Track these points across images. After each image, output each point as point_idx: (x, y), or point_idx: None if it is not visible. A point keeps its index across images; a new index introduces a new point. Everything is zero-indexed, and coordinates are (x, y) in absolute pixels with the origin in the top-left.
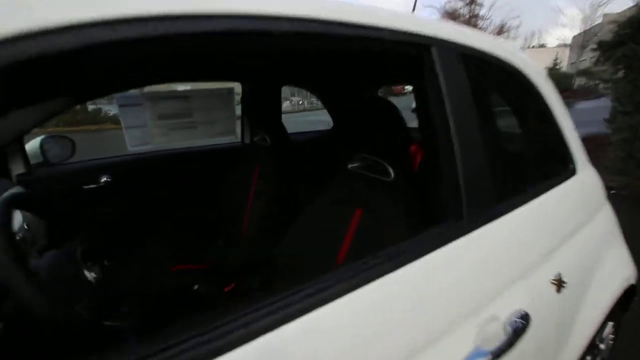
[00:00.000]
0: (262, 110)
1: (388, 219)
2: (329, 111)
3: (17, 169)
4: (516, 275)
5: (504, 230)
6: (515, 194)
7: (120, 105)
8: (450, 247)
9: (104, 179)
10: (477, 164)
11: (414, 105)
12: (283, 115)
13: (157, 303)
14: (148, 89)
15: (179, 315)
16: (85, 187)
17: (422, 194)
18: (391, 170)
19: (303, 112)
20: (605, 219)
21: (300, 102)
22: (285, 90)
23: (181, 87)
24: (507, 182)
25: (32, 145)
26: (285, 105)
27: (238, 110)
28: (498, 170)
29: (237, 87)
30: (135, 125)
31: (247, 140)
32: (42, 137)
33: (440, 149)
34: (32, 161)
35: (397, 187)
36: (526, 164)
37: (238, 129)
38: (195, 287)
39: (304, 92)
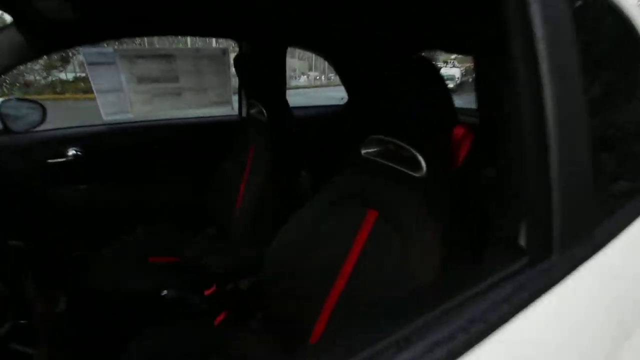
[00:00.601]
0: (260, 76)
1: (412, 231)
2: (344, 81)
3: None
4: None
5: (619, 269)
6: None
7: (90, 64)
8: (531, 309)
9: (72, 152)
10: (583, 168)
11: None
12: (297, 91)
13: (122, 308)
14: (123, 47)
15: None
16: (50, 161)
17: (469, 201)
18: (422, 162)
19: (320, 88)
20: None
21: (318, 77)
22: (303, 65)
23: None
24: (616, 193)
25: None
26: (302, 80)
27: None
28: (604, 175)
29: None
30: (109, 90)
31: (245, 114)
32: (0, 99)
33: (518, 137)
34: None
35: (430, 186)
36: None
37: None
38: (164, 292)
39: (322, 66)
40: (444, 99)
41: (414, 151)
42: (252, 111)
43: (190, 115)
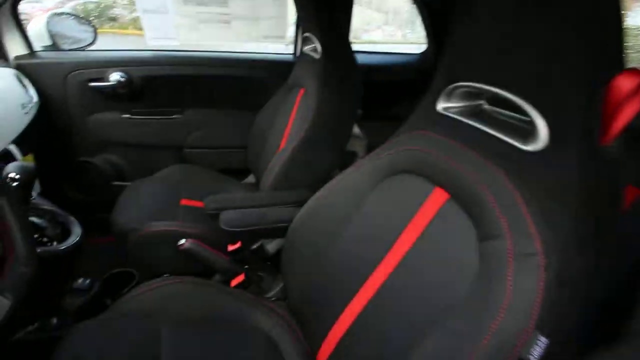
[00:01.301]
0: (321, 2)
1: (501, 234)
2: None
3: (16, 49)
4: None
5: None
6: None
7: None
8: None
9: (115, 77)
10: None
11: None
12: (368, 47)
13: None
14: None
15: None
16: (92, 84)
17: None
18: (542, 126)
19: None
20: None
21: (393, 33)
22: (380, 18)
23: None
24: None
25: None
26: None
27: None
28: None
29: None
30: (153, 10)
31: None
32: (49, 14)
33: None
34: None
35: (551, 169)
36: None
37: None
38: (182, 241)
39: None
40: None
41: (530, 108)
42: (306, 48)
43: (237, 49)
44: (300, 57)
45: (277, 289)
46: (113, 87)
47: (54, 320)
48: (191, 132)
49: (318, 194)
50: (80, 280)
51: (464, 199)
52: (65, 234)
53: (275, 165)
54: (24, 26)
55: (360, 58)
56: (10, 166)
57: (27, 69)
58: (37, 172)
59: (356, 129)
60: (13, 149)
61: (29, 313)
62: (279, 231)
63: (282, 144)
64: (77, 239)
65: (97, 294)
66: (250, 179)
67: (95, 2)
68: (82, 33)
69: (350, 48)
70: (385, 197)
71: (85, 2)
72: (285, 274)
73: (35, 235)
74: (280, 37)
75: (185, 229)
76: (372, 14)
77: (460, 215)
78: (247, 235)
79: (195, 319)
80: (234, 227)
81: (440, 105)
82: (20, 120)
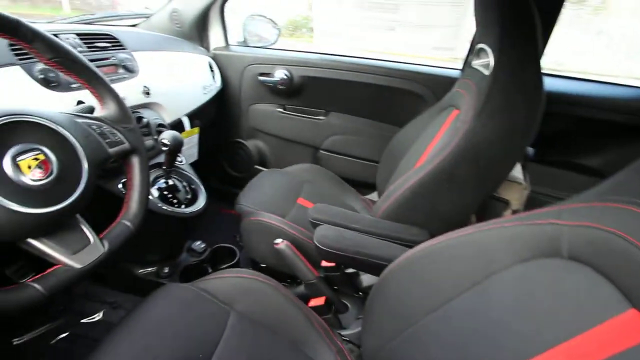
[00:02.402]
0: (514, 9)
1: None
2: None
3: (216, 41)
4: None
5: None
6: None
7: None
8: None
9: (280, 74)
10: None
11: None
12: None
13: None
14: None
15: None
16: (261, 78)
17: None
18: None
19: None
20: None
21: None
22: (589, 41)
23: None
24: None
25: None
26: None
27: None
28: None
29: None
30: (327, 12)
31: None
32: (248, 15)
33: None
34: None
35: None
36: None
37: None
38: (277, 240)
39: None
40: None
41: None
42: (476, 62)
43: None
44: (464, 74)
45: (356, 330)
46: (276, 83)
47: (165, 270)
48: (330, 135)
49: (438, 240)
50: (198, 243)
51: None
52: (194, 199)
53: (397, 188)
54: (226, 23)
55: (557, 83)
56: (166, 134)
57: (220, 58)
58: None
59: (517, 172)
60: (185, 120)
61: (151, 257)
62: (376, 268)
63: (415, 166)
64: (200, 207)
65: (204, 260)
66: (374, 196)
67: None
68: (269, 34)
69: (537, 68)
70: (532, 287)
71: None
72: (368, 320)
73: (169, 196)
74: (450, 49)
75: (287, 228)
76: (581, 36)
77: None
78: (339, 258)
79: (259, 321)
80: (326, 246)
81: None
82: (198, 99)
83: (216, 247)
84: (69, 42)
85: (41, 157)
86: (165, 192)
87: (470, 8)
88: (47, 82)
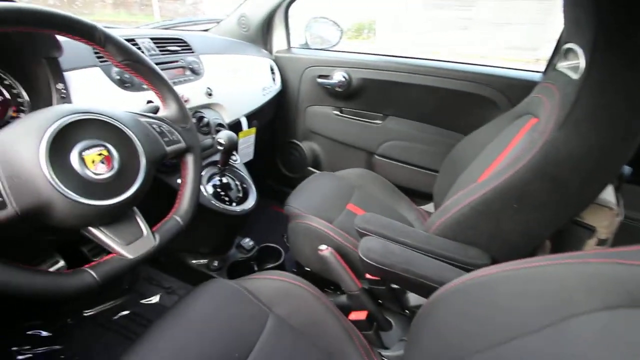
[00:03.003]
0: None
1: None
2: None
3: (279, 43)
4: None
5: None
6: None
7: None
8: None
9: (338, 77)
10: None
11: None
12: None
13: None
14: None
15: None
16: (319, 80)
17: None
18: None
19: None
20: None
21: None
22: None
23: None
24: None
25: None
26: None
27: None
28: None
29: None
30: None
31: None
32: (311, 18)
33: None
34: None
35: None
36: None
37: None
38: (321, 247)
39: None
40: None
41: None
42: (562, 64)
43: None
44: (545, 77)
45: (398, 352)
46: (334, 85)
47: (215, 263)
48: (387, 140)
49: (501, 267)
50: (246, 240)
51: None
52: (245, 198)
53: (456, 203)
54: (289, 26)
55: None
56: (222, 133)
57: (281, 61)
58: (238, 144)
59: (609, 194)
60: (243, 120)
61: (203, 250)
62: (425, 289)
63: (479, 180)
64: (249, 207)
65: (250, 257)
66: (429, 207)
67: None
68: (331, 35)
69: None
70: (617, 342)
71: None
72: (412, 345)
73: (222, 193)
74: (532, 49)
75: (333, 234)
76: None
77: None
78: (385, 274)
79: (298, 329)
80: (371, 260)
81: None
82: (257, 100)
83: (263, 246)
84: (144, 46)
85: (105, 152)
86: (219, 190)
87: (558, 1)
88: (122, 83)
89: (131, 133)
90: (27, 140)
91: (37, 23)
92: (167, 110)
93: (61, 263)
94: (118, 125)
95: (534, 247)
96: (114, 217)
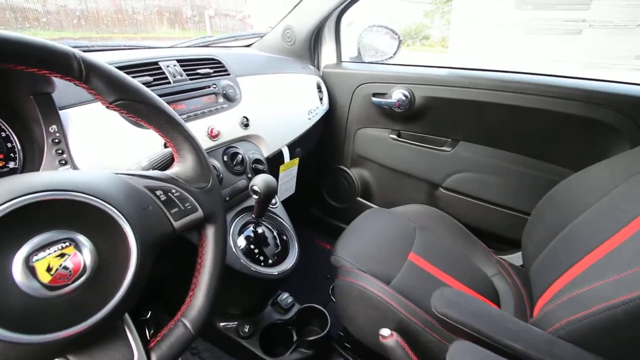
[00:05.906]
0: None
1: None
2: None
3: (328, 57)
4: None
5: None
6: None
7: None
8: None
9: (398, 96)
10: None
11: None
12: None
13: None
14: None
15: None
16: (374, 99)
17: None
18: None
19: None
20: None
21: None
22: None
23: None
24: None
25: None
26: None
27: None
28: None
29: None
30: (469, 19)
31: None
32: (365, 27)
33: None
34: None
35: None
36: None
37: None
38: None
39: None
40: None
41: None
42: None
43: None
44: None
45: None
46: (392, 105)
47: (246, 329)
48: (457, 171)
49: None
50: (285, 295)
51: None
52: (284, 254)
53: (601, 295)
54: (340, 37)
55: None
56: (258, 179)
57: (330, 77)
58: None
59: None
60: (285, 151)
61: (232, 311)
62: None
63: (613, 244)
64: (289, 268)
65: (289, 321)
66: (516, 258)
67: (417, 23)
68: (387, 46)
69: None
70: None
71: (409, 24)
72: None
73: (256, 251)
74: None
75: (394, 303)
76: None
77: None
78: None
79: None
80: None
81: None
82: (301, 125)
83: (305, 307)
84: (168, 71)
85: (70, 250)
86: (252, 247)
87: None
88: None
89: (116, 212)
90: None
91: None
92: (180, 165)
93: None
94: (96, 204)
95: None
96: (89, 340)
